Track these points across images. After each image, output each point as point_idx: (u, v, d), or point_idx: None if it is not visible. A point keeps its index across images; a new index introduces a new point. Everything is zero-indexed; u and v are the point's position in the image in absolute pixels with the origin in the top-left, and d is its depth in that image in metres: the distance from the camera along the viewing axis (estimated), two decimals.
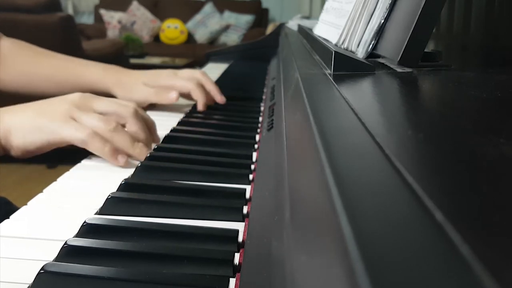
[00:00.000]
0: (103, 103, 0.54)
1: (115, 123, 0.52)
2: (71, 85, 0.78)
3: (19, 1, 2.16)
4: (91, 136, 0.50)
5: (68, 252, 0.32)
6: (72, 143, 0.50)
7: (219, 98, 0.79)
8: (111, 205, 0.40)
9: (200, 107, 0.76)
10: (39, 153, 0.51)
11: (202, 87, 0.77)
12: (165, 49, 4.17)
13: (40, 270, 0.29)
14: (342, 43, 0.55)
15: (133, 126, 0.55)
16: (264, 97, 0.89)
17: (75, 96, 0.54)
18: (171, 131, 0.64)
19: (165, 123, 0.72)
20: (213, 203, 0.41)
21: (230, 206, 0.40)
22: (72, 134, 0.49)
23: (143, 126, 0.56)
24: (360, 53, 0.51)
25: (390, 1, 0.48)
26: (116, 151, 0.51)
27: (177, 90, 0.75)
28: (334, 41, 0.58)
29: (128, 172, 0.49)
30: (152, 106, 0.81)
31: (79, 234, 0.35)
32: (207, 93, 0.78)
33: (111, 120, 0.52)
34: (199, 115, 0.74)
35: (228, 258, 0.31)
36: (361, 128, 0.25)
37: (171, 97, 0.71)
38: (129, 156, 0.52)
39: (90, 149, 0.50)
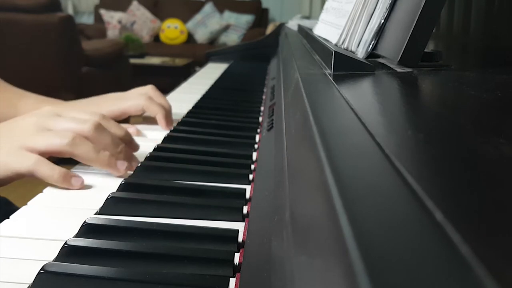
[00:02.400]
0: (60, 121, 0.48)
1: (71, 135, 0.46)
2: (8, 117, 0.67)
3: (19, 1, 2.16)
4: (36, 163, 0.44)
5: (68, 252, 0.32)
6: (24, 177, 0.45)
7: (170, 123, 0.68)
8: (111, 205, 0.40)
9: (162, 123, 0.67)
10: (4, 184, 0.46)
11: (154, 101, 0.68)
12: (165, 49, 4.17)
13: (40, 270, 0.29)
14: (342, 43, 0.55)
15: (97, 142, 0.48)
16: (264, 97, 0.89)
17: (28, 118, 0.48)
18: (171, 131, 0.64)
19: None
20: (213, 203, 0.41)
21: (230, 206, 0.40)
22: (19, 165, 0.44)
23: (111, 138, 0.49)
24: (360, 53, 0.51)
25: (390, 1, 0.48)
26: (68, 174, 0.46)
27: (127, 113, 0.66)
28: (334, 41, 0.58)
29: (128, 172, 0.49)
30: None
31: (79, 234, 0.35)
32: (161, 107, 0.68)
33: (67, 134, 0.46)
34: (199, 115, 0.74)
35: (228, 258, 0.31)
36: (361, 128, 0.25)
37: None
38: (96, 167, 0.48)
39: (40, 178, 0.45)
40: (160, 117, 0.67)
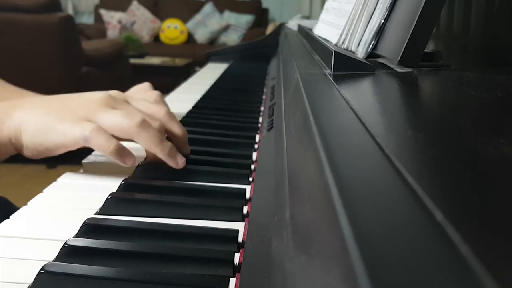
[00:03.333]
0: (136, 101, 0.49)
1: (141, 117, 0.45)
2: None
3: (19, 1, 2.16)
4: (93, 131, 0.43)
5: (68, 252, 0.32)
6: (79, 144, 0.44)
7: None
8: (111, 205, 0.40)
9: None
10: (50, 155, 0.46)
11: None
12: (165, 49, 4.17)
13: (40, 270, 0.29)
14: (342, 43, 0.55)
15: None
16: (264, 97, 0.89)
17: (96, 94, 0.48)
18: None
19: None
20: (213, 203, 0.41)
21: (230, 206, 0.40)
22: (75, 133, 0.44)
23: (178, 126, 0.50)
24: (360, 53, 0.51)
25: (390, 1, 0.48)
26: (124, 150, 0.45)
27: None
28: (334, 41, 0.58)
29: (128, 172, 0.49)
30: None
31: (79, 234, 0.35)
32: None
33: (136, 115, 0.45)
34: (199, 115, 0.74)
35: (228, 258, 0.31)
36: (361, 128, 0.25)
37: None
38: (153, 154, 0.46)
39: (93, 146, 0.44)
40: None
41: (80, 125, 0.44)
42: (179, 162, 0.47)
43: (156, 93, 0.61)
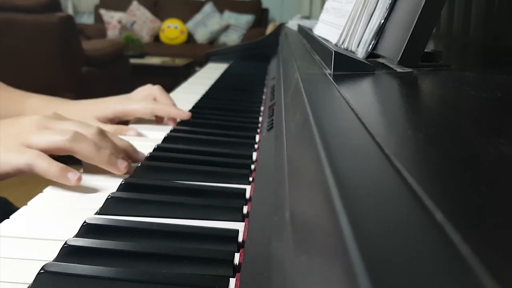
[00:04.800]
0: (62, 123, 0.49)
1: (72, 132, 0.46)
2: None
3: (19, 1, 2.16)
4: (34, 157, 0.43)
5: (68, 252, 0.32)
6: (23, 173, 0.44)
7: (184, 115, 0.69)
8: (111, 205, 0.40)
9: (183, 115, 0.69)
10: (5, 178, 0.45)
11: (163, 103, 0.70)
12: (165, 49, 4.17)
13: (40, 270, 0.29)
14: (342, 43, 0.55)
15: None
16: (264, 97, 0.89)
17: (30, 117, 0.48)
18: (171, 131, 0.64)
19: (165, 123, 0.72)
20: (213, 203, 0.41)
21: (230, 206, 0.40)
22: (17, 161, 0.43)
23: (111, 144, 0.50)
24: (360, 53, 0.51)
25: (390, 1, 0.48)
26: (65, 169, 0.45)
27: (134, 115, 0.67)
28: (334, 41, 0.58)
29: (128, 172, 0.49)
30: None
31: (79, 234, 0.35)
32: (173, 107, 0.70)
33: (68, 130, 0.46)
34: (199, 115, 0.74)
35: (228, 258, 0.31)
36: (361, 128, 0.25)
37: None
38: (96, 165, 0.48)
39: (38, 173, 0.44)
40: (174, 113, 0.68)
41: (21, 153, 0.44)
42: (120, 167, 0.47)
43: (155, 88, 0.69)
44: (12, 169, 0.44)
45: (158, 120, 0.71)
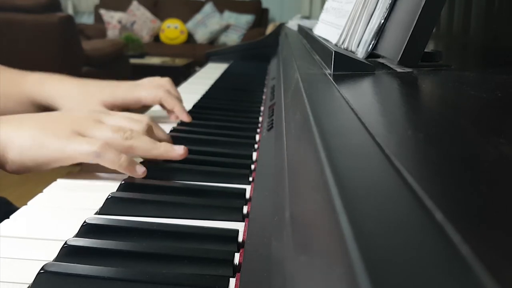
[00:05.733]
0: (114, 118, 0.50)
1: (129, 130, 0.47)
2: (14, 99, 0.65)
3: (19, 1, 2.16)
4: (104, 148, 0.44)
5: (68, 252, 0.32)
6: (80, 160, 0.45)
7: (185, 116, 0.68)
8: (111, 205, 0.40)
9: (183, 115, 0.68)
10: (38, 170, 0.46)
11: (173, 94, 0.69)
12: (165, 49, 4.17)
13: (40, 270, 0.29)
14: (342, 43, 0.55)
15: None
16: (264, 97, 0.89)
17: (83, 111, 0.50)
18: (171, 131, 0.64)
19: (164, 124, 0.72)
20: (213, 203, 0.41)
21: (230, 206, 0.40)
22: (80, 149, 0.44)
23: (162, 131, 0.52)
24: (360, 53, 0.51)
25: (390, 1, 0.48)
26: (133, 162, 0.46)
27: (143, 102, 0.67)
28: (334, 41, 0.58)
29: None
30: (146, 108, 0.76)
31: (79, 234, 0.35)
32: (179, 101, 0.69)
33: (125, 129, 0.47)
34: (199, 115, 0.74)
35: (228, 258, 0.31)
36: (361, 128, 0.25)
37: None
38: (154, 160, 0.49)
39: (104, 163, 0.45)
40: (178, 110, 0.68)
41: (87, 141, 0.44)
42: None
43: (165, 80, 0.70)
44: (73, 155, 0.44)
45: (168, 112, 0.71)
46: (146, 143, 0.47)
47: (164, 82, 0.71)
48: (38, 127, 0.46)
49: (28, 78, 0.67)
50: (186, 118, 0.68)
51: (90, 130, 0.46)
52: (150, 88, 0.68)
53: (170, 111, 0.69)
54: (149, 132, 0.50)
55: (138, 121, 0.50)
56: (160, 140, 0.50)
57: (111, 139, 0.46)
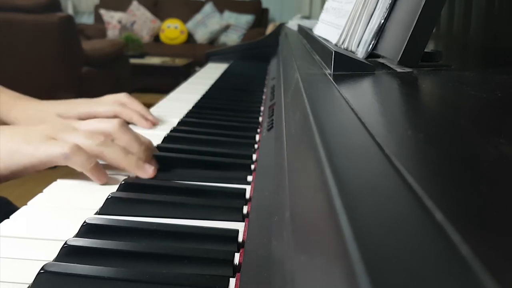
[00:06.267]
0: (85, 123, 0.51)
1: (103, 137, 0.48)
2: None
3: (19, 1, 2.16)
4: (74, 150, 0.44)
5: (68, 252, 0.32)
6: (52, 163, 0.45)
7: (151, 118, 0.71)
8: (111, 205, 0.40)
9: (142, 123, 0.69)
10: (15, 178, 0.46)
11: (128, 107, 0.70)
12: (165, 49, 4.17)
13: (40, 270, 0.29)
14: (342, 43, 0.55)
15: (122, 140, 0.50)
16: (264, 97, 0.89)
17: (54, 119, 0.51)
18: (171, 131, 0.64)
19: (165, 124, 0.72)
20: (213, 203, 0.41)
21: (230, 206, 0.40)
22: (50, 151, 0.44)
23: (135, 137, 0.51)
24: (360, 53, 0.51)
25: (390, 1, 0.48)
26: (101, 168, 0.46)
27: (100, 117, 0.65)
28: (334, 41, 0.58)
29: (128, 172, 0.49)
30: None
31: (79, 234, 0.35)
32: (137, 111, 0.71)
33: (98, 135, 0.48)
34: (199, 115, 0.74)
35: (228, 258, 0.31)
36: (361, 128, 0.25)
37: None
38: (122, 169, 0.48)
39: (73, 165, 0.45)
40: (136, 119, 0.69)
41: (56, 143, 0.45)
42: (148, 171, 0.48)
43: (121, 95, 0.71)
44: (44, 158, 0.44)
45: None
46: (117, 152, 0.47)
47: (120, 97, 0.72)
48: (9, 135, 0.46)
49: (18, 102, 0.68)
50: (146, 125, 0.69)
51: (63, 135, 0.47)
52: (106, 104, 0.69)
53: (135, 121, 0.70)
54: (124, 127, 0.50)
55: (109, 121, 0.51)
56: (138, 137, 0.51)
57: (81, 144, 0.46)
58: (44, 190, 0.45)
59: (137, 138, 0.51)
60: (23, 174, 0.46)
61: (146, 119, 0.70)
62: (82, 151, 0.45)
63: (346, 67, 0.44)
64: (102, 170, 0.47)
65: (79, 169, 0.45)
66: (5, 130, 0.47)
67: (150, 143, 0.53)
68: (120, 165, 0.48)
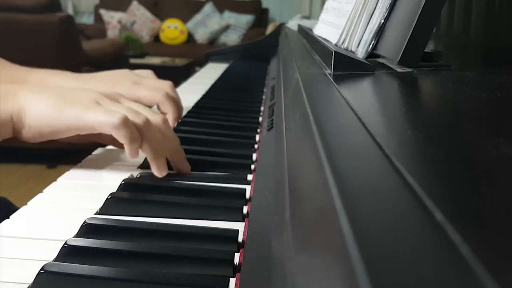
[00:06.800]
0: (130, 103, 0.49)
1: (147, 118, 0.46)
2: None
3: (19, 1, 2.16)
4: (124, 122, 0.43)
5: (68, 252, 0.32)
6: (97, 130, 0.44)
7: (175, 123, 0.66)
8: (111, 205, 0.40)
9: (171, 122, 0.65)
10: (54, 138, 0.46)
11: (172, 99, 0.66)
12: (165, 49, 4.17)
13: (40, 270, 0.29)
14: (342, 43, 0.55)
15: (165, 107, 0.53)
16: (264, 97, 0.89)
17: (101, 88, 0.49)
18: None
19: None
20: (213, 203, 0.41)
21: (230, 206, 0.40)
22: (99, 118, 0.43)
23: (176, 107, 0.52)
24: (360, 53, 0.51)
25: (390, 1, 0.48)
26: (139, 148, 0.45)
27: (141, 103, 0.62)
28: (334, 41, 0.58)
29: (128, 172, 0.49)
30: None
31: (79, 234, 0.35)
32: (177, 107, 0.67)
33: (143, 115, 0.46)
34: (199, 115, 0.74)
35: (228, 258, 0.31)
36: (361, 128, 0.25)
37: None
38: (150, 158, 0.46)
39: (119, 136, 0.43)
40: (171, 118, 0.66)
41: (106, 112, 0.44)
42: (185, 166, 0.47)
43: (167, 83, 0.68)
44: (90, 123, 0.43)
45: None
46: (156, 143, 0.45)
47: (164, 85, 0.69)
48: (58, 95, 0.45)
49: (31, 75, 0.67)
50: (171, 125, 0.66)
51: (109, 105, 0.45)
52: (150, 90, 0.66)
53: (169, 117, 0.67)
54: (168, 97, 0.50)
55: (154, 114, 0.48)
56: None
57: (129, 115, 0.44)
58: (44, 190, 0.45)
59: (177, 108, 0.51)
60: (64, 135, 0.45)
61: (176, 122, 0.66)
62: (131, 124, 0.43)
63: (346, 67, 0.44)
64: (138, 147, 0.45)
65: (123, 140, 0.44)
66: (53, 89, 0.47)
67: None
68: (160, 152, 0.46)
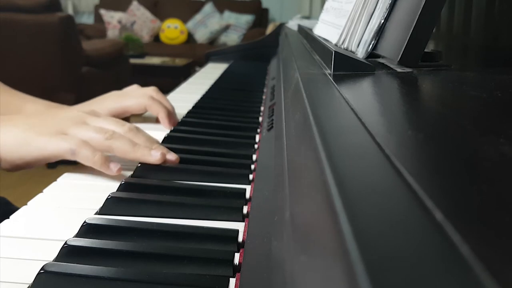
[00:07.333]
0: (98, 120, 0.52)
1: (111, 131, 0.49)
2: None
3: (19, 1, 2.16)
4: (79, 145, 0.46)
5: (68, 252, 0.32)
6: (61, 157, 0.47)
7: (174, 119, 0.69)
8: (111, 205, 0.40)
9: (165, 122, 0.67)
10: (28, 168, 0.49)
11: (157, 101, 0.68)
12: (165, 49, 4.17)
13: (40, 270, 0.29)
14: (342, 43, 0.55)
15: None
16: (264, 97, 0.89)
17: (69, 112, 0.52)
18: (171, 131, 0.64)
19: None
20: (213, 203, 0.41)
21: (230, 206, 0.40)
22: (60, 146, 0.47)
23: (144, 136, 0.52)
24: (360, 53, 0.51)
25: (390, 1, 0.48)
26: (107, 160, 0.48)
27: (129, 111, 0.67)
28: (334, 41, 0.58)
29: (128, 172, 0.49)
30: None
31: (79, 234, 0.35)
32: (164, 107, 0.69)
33: (107, 129, 0.49)
34: (199, 115, 0.74)
35: (228, 258, 0.31)
36: (361, 128, 0.25)
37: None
38: (131, 160, 0.49)
39: (80, 160, 0.47)
40: (162, 116, 0.67)
41: (64, 139, 0.47)
42: (155, 155, 0.48)
43: (150, 88, 0.70)
44: (50, 153, 0.47)
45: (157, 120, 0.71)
46: (125, 145, 0.49)
47: (149, 90, 0.71)
48: (23, 126, 0.48)
49: (28, 106, 0.68)
50: (167, 125, 0.68)
51: (72, 130, 0.49)
52: (136, 97, 0.68)
53: (161, 118, 0.69)
54: (132, 134, 0.51)
55: (121, 124, 0.52)
56: (150, 140, 0.52)
57: (92, 138, 0.48)
58: (44, 190, 0.45)
59: (148, 138, 0.52)
60: (36, 164, 0.49)
61: (170, 119, 0.68)
62: (87, 145, 0.47)
63: (346, 67, 0.44)
64: (109, 161, 0.48)
65: (86, 163, 0.47)
66: (20, 120, 0.50)
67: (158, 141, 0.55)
68: (130, 156, 0.49)
